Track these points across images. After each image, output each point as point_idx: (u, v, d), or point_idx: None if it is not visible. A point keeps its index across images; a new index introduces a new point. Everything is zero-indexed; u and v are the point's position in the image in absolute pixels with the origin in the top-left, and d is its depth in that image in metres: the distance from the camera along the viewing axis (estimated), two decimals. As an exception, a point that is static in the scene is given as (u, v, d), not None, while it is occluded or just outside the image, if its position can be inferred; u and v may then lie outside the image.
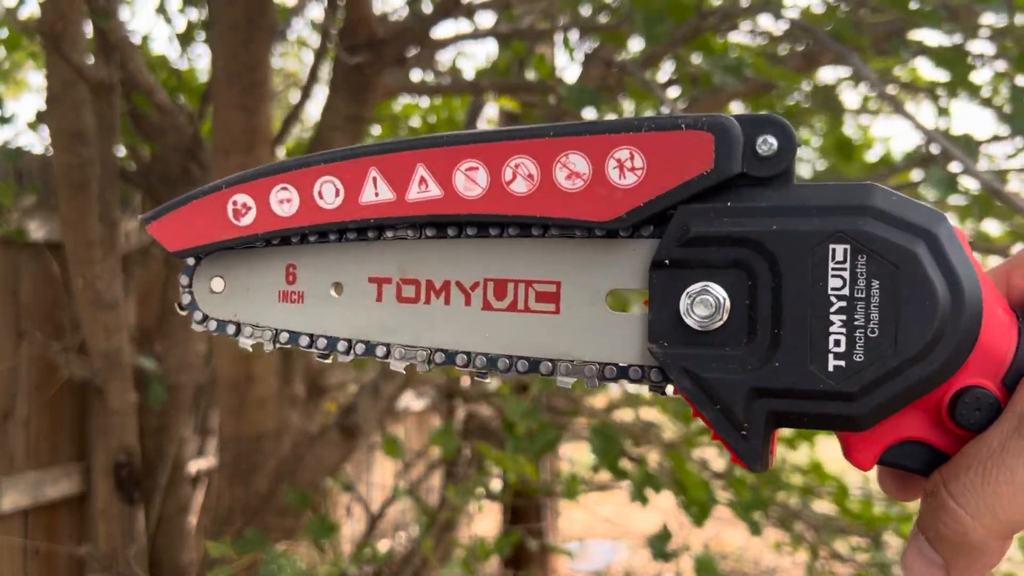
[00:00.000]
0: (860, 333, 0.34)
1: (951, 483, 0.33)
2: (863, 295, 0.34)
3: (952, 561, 0.33)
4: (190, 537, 2.25)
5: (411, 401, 3.25)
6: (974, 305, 0.34)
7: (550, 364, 0.39)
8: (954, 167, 1.48)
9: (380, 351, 0.42)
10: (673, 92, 2.09)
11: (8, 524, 2.02)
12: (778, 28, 1.84)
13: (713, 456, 2.27)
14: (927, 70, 2.37)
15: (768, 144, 0.36)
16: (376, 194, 0.39)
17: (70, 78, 1.85)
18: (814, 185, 0.36)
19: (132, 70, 1.88)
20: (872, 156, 2.73)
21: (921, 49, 1.69)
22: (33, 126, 2.36)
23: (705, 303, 0.36)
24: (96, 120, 1.92)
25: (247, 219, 0.41)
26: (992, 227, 2.11)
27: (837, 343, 0.34)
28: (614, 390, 2.50)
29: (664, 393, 0.38)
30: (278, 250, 0.43)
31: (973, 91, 1.71)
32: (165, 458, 2.16)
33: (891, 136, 5.62)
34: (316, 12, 2.70)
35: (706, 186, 0.36)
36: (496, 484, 2.58)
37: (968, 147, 1.50)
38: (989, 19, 1.53)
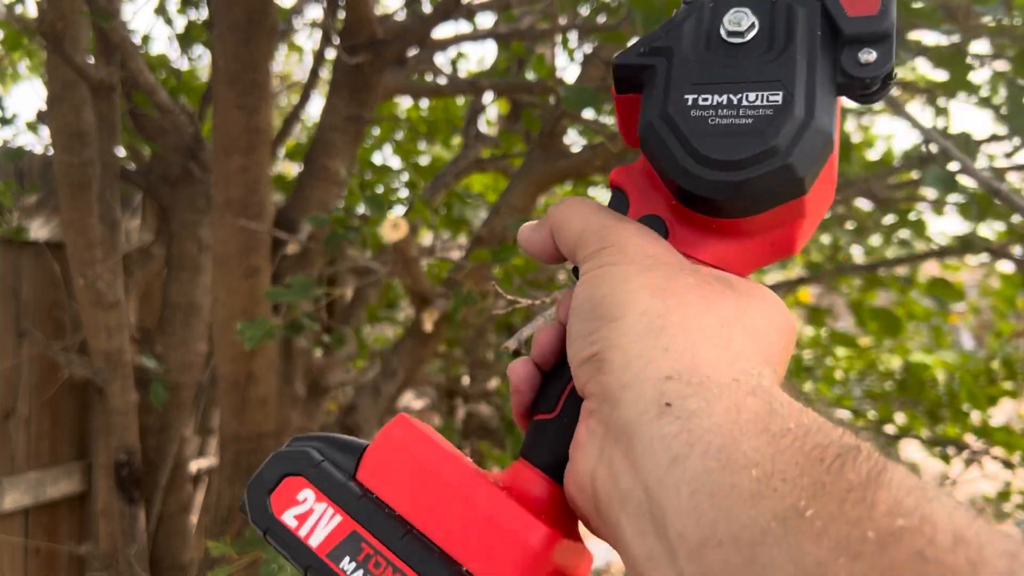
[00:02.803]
0: (712, 114, 0.38)
1: (585, 200, 0.42)
2: (742, 115, 0.38)
3: (538, 225, 0.44)
4: (191, 536, 2.26)
5: (411, 401, 3.25)
6: (733, 205, 0.38)
7: None
8: (953, 167, 1.48)
9: None
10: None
11: (9, 523, 2.02)
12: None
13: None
14: (926, 70, 2.38)
15: (868, 55, 0.39)
16: None
17: (71, 78, 1.85)
18: (833, 102, 0.39)
19: (133, 70, 1.88)
20: (873, 155, 2.74)
21: (920, 49, 1.69)
22: (33, 127, 2.36)
23: (740, 20, 0.40)
24: (96, 120, 1.92)
25: None
26: (992, 228, 2.11)
27: (706, 100, 0.39)
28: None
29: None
30: None
31: (972, 91, 1.71)
32: (166, 457, 2.17)
33: (892, 135, 5.61)
34: (316, 12, 2.71)
35: (831, 13, 0.39)
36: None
37: (966, 146, 1.50)
38: (987, 19, 1.53)
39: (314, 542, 0.38)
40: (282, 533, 0.39)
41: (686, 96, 0.39)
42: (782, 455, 0.29)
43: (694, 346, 0.34)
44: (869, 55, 0.39)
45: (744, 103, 0.38)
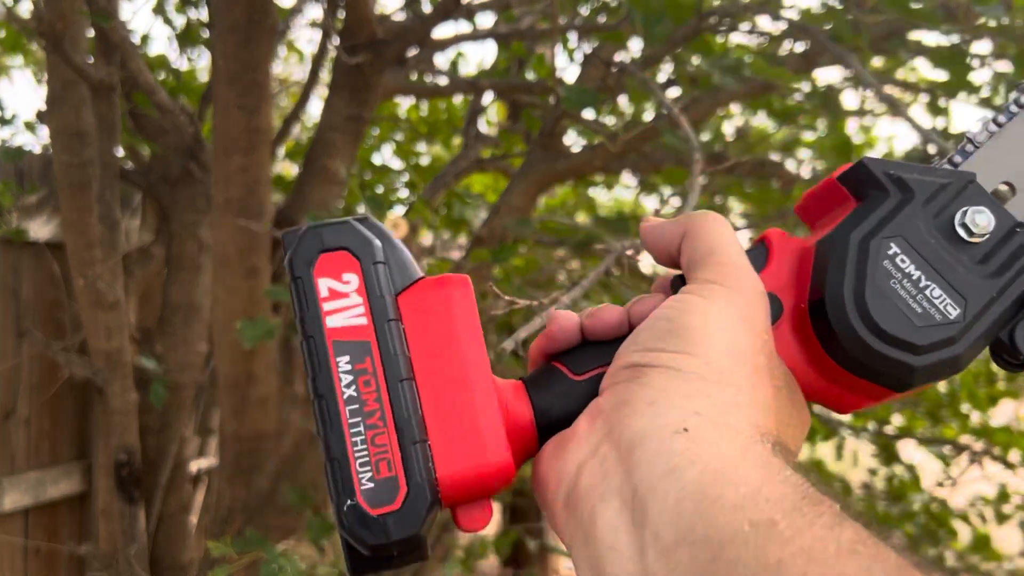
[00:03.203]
0: (906, 298, 0.39)
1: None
2: (916, 305, 0.39)
3: (685, 226, 0.43)
4: (191, 536, 2.26)
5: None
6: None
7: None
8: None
9: None
10: (672, 93, 2.09)
11: (9, 523, 2.02)
12: (777, 28, 1.84)
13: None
14: (926, 70, 2.38)
15: None
16: None
17: (70, 78, 1.85)
18: None
19: (132, 70, 1.88)
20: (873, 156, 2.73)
21: (920, 49, 1.69)
22: (31, 127, 2.36)
23: (982, 221, 0.40)
24: (96, 120, 1.92)
25: None
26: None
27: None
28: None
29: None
30: None
31: (972, 91, 1.71)
32: (166, 457, 2.17)
33: (894, 136, 5.59)
34: (316, 12, 2.71)
35: None
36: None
37: (967, 147, 1.50)
38: (988, 20, 1.53)
39: (330, 323, 0.39)
40: (308, 291, 0.39)
41: (891, 243, 0.39)
42: (771, 483, 0.31)
43: (737, 407, 0.36)
44: None
45: (928, 292, 0.39)
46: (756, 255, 0.42)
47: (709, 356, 0.36)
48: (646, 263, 1.58)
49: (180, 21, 2.44)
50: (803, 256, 0.41)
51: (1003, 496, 2.44)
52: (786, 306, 0.41)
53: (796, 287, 0.41)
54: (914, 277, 0.39)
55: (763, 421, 0.36)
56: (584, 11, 2.16)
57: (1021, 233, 0.40)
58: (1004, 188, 0.43)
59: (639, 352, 0.37)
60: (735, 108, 2.43)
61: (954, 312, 0.39)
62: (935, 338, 0.38)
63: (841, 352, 0.39)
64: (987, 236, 0.40)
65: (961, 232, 0.40)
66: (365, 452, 0.37)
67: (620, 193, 3.44)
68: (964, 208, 0.40)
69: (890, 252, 0.39)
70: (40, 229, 2.08)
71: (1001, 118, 0.44)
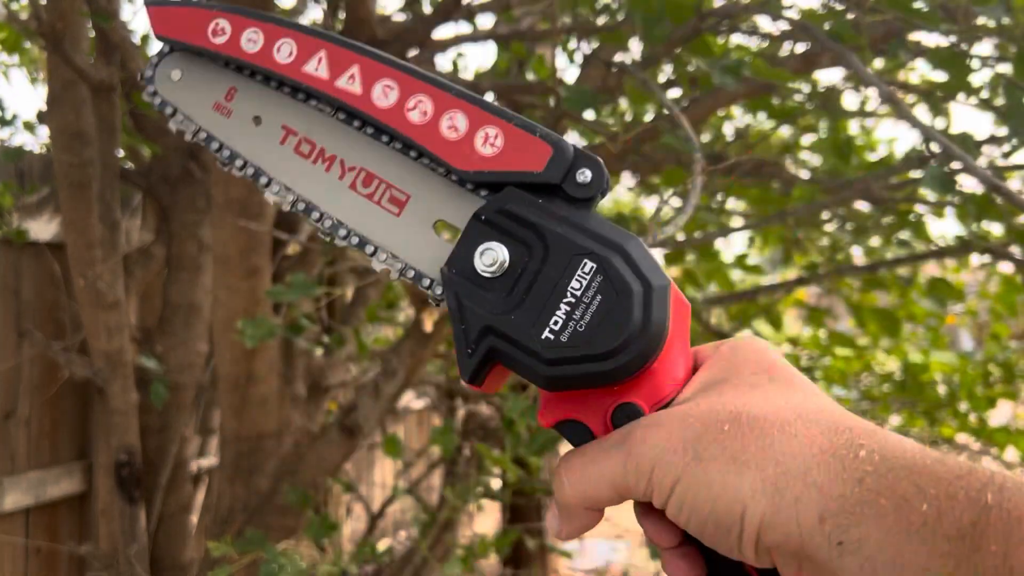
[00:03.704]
0: (574, 323, 0.43)
1: (564, 461, 0.45)
2: (588, 300, 0.43)
3: (561, 516, 0.45)
4: (191, 536, 2.26)
5: (411, 400, 3.25)
6: (655, 343, 0.43)
7: (374, 248, 0.49)
8: (954, 167, 1.48)
9: (262, 180, 0.51)
10: (673, 93, 2.09)
11: (9, 523, 2.02)
12: (777, 29, 1.85)
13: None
14: (926, 71, 2.38)
15: (584, 175, 0.45)
16: (316, 69, 0.49)
17: (70, 78, 1.85)
18: (600, 218, 0.46)
19: (132, 70, 1.89)
20: (874, 157, 2.74)
21: (919, 50, 1.69)
22: (31, 127, 2.36)
23: (492, 256, 0.45)
24: (96, 120, 1.92)
25: (220, 40, 0.51)
26: (991, 228, 2.12)
27: (556, 322, 0.43)
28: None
29: (438, 305, 0.48)
30: (230, 73, 0.52)
31: (971, 92, 1.71)
32: (166, 457, 2.17)
33: (895, 138, 5.60)
34: (316, 13, 2.71)
35: (533, 182, 0.45)
36: (496, 483, 2.59)
37: (967, 145, 1.50)
38: (987, 20, 1.53)
39: None
40: None
41: (544, 336, 0.43)
42: (934, 556, 0.35)
43: (806, 481, 0.38)
44: (584, 175, 0.45)
45: (577, 292, 0.43)
46: (580, 434, 0.45)
47: (744, 492, 0.38)
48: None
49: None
50: (569, 396, 0.45)
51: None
52: (635, 403, 0.44)
53: (601, 398, 0.44)
54: (568, 309, 0.43)
55: (820, 457, 0.38)
56: (585, 12, 2.16)
57: (487, 216, 0.45)
58: (444, 225, 0.48)
59: (755, 553, 0.39)
60: (736, 109, 2.43)
61: (584, 262, 0.43)
62: (623, 268, 0.42)
63: (659, 348, 0.44)
64: (503, 250, 0.45)
65: (498, 276, 0.45)
66: None
67: (620, 193, 3.44)
68: (474, 269, 0.45)
69: (552, 338, 0.43)
70: (41, 229, 2.08)
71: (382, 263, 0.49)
